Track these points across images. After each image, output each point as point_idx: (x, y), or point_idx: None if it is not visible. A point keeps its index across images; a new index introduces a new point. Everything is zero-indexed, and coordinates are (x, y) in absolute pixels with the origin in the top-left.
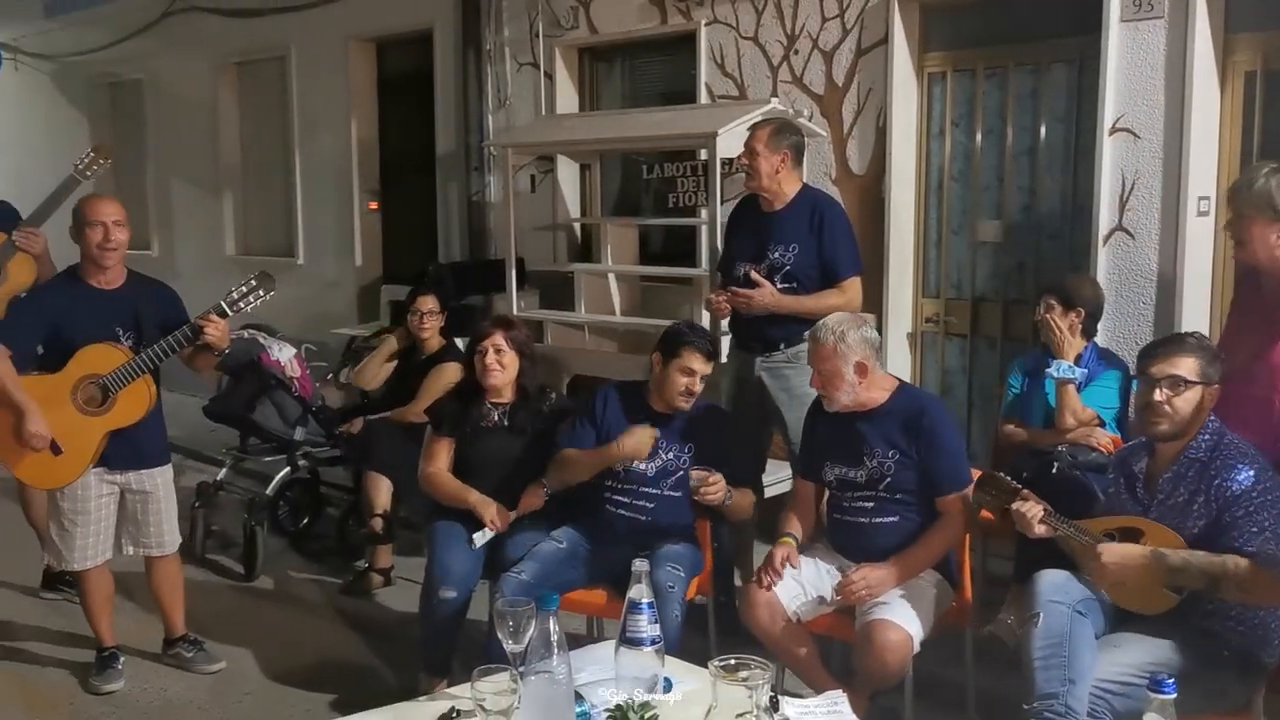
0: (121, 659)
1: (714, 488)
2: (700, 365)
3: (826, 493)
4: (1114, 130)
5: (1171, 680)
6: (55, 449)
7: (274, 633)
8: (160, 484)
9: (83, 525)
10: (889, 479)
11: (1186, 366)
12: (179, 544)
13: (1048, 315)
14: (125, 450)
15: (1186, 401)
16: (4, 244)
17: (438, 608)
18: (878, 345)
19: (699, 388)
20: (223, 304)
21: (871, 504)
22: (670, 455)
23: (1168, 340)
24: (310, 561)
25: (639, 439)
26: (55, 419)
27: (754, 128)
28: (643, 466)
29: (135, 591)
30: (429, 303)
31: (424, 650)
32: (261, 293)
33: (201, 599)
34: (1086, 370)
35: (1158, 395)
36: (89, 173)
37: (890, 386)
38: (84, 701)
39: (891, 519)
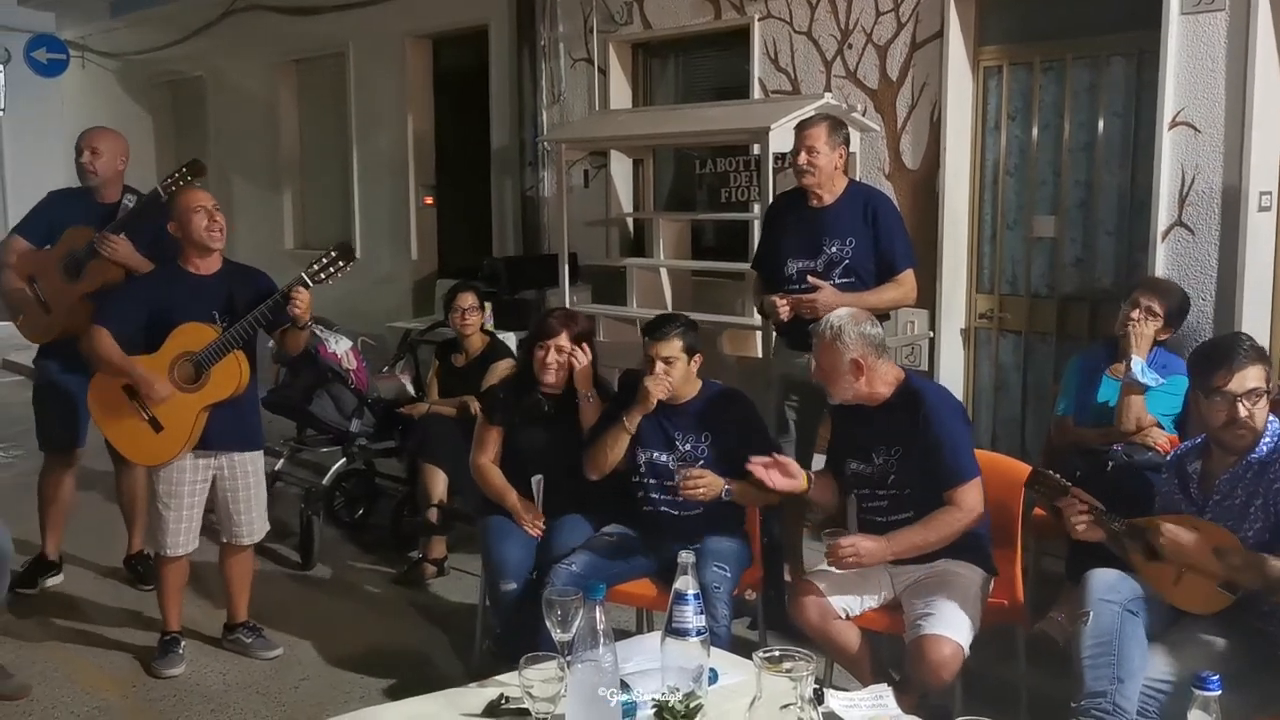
0: (183, 644)
1: (695, 483)
2: (656, 352)
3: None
4: (1174, 124)
5: (1216, 677)
6: (156, 425)
7: (330, 620)
8: (251, 470)
9: (175, 509)
10: (894, 475)
11: (1257, 375)
12: (266, 532)
13: (1144, 319)
14: (222, 430)
15: (1263, 409)
16: (87, 244)
17: (504, 600)
18: (879, 342)
19: (669, 365)
20: (304, 275)
21: (886, 502)
22: (689, 445)
23: (1228, 350)
24: (365, 551)
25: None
26: None
27: (802, 126)
28: (664, 458)
29: (195, 577)
30: (468, 299)
31: (502, 644)
32: (342, 264)
33: (259, 587)
34: (1165, 382)
35: (1243, 411)
36: (174, 189)
37: (895, 380)
38: (146, 685)
39: (907, 515)
